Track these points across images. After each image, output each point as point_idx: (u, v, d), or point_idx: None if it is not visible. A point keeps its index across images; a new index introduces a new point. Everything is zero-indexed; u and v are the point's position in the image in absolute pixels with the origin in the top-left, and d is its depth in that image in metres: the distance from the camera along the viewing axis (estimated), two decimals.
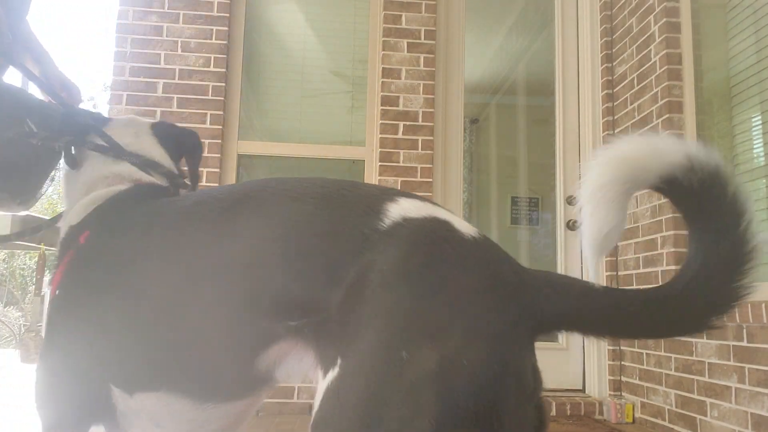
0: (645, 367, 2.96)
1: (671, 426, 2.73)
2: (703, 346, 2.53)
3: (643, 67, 3.08)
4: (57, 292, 0.96)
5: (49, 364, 0.95)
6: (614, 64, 3.42)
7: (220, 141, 3.23)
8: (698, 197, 0.66)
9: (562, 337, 3.31)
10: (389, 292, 0.69)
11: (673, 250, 2.76)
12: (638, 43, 3.15)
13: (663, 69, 2.90)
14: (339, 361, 0.70)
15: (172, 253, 0.88)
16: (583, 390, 3.31)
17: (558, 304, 0.71)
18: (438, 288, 0.69)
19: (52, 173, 1.20)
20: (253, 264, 0.80)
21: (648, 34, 3.06)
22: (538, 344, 0.72)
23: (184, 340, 0.85)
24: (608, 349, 3.22)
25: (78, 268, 0.96)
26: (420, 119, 3.32)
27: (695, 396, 2.57)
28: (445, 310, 0.67)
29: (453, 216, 0.79)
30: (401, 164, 3.25)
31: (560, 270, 3.41)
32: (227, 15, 3.31)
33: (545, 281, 0.73)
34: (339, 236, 0.76)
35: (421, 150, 3.28)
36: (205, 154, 3.07)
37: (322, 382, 0.72)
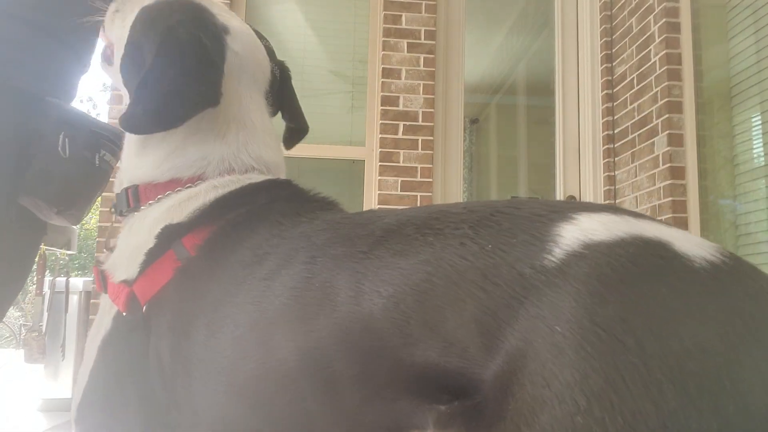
0: None
1: None
2: None
3: (643, 67, 3.08)
4: (145, 309, 0.74)
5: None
6: (614, 64, 3.42)
7: None
8: None
9: None
10: (563, 369, 0.44)
11: None
12: (638, 43, 3.15)
13: (663, 69, 2.90)
14: None
15: (284, 305, 0.65)
16: None
17: None
18: (648, 360, 0.42)
19: (98, 191, 1.20)
20: (388, 326, 0.57)
21: (648, 34, 3.06)
22: None
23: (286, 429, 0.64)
24: None
25: (184, 288, 0.73)
26: (420, 119, 3.32)
27: None
28: (661, 397, 0.42)
29: (674, 231, 0.52)
30: (401, 164, 3.25)
31: None
32: None
33: None
34: (491, 281, 0.52)
35: (421, 150, 3.28)
36: None
37: None
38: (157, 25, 0.80)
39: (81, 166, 1.08)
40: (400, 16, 3.39)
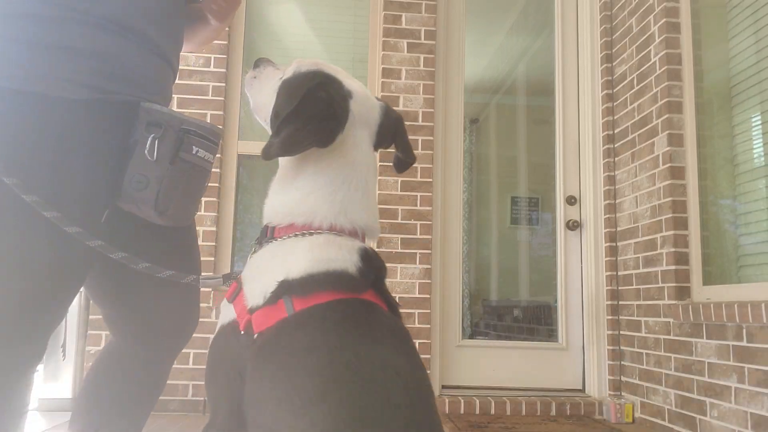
0: (645, 367, 2.97)
1: (671, 426, 2.73)
2: (703, 346, 2.53)
3: (643, 67, 3.08)
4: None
5: None
6: (614, 64, 3.42)
7: (220, 141, 3.23)
8: None
9: (562, 336, 3.31)
10: None
11: (673, 250, 2.76)
12: (638, 43, 3.15)
13: (663, 69, 2.90)
14: None
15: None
16: (582, 390, 3.31)
17: None
18: None
19: (197, 189, 1.24)
20: None
21: (648, 34, 3.06)
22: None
23: None
24: (608, 349, 3.22)
25: (279, 334, 0.90)
26: (420, 119, 3.32)
27: (695, 396, 2.57)
28: None
29: None
30: None
31: (560, 271, 3.41)
32: None
33: None
34: None
35: (421, 150, 3.28)
36: None
37: None
38: (298, 91, 0.99)
39: (173, 167, 1.15)
40: (400, 16, 3.39)
